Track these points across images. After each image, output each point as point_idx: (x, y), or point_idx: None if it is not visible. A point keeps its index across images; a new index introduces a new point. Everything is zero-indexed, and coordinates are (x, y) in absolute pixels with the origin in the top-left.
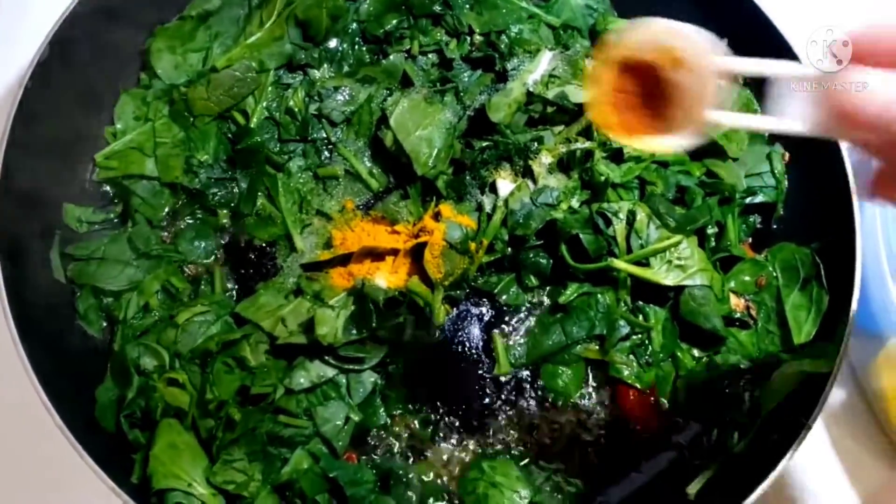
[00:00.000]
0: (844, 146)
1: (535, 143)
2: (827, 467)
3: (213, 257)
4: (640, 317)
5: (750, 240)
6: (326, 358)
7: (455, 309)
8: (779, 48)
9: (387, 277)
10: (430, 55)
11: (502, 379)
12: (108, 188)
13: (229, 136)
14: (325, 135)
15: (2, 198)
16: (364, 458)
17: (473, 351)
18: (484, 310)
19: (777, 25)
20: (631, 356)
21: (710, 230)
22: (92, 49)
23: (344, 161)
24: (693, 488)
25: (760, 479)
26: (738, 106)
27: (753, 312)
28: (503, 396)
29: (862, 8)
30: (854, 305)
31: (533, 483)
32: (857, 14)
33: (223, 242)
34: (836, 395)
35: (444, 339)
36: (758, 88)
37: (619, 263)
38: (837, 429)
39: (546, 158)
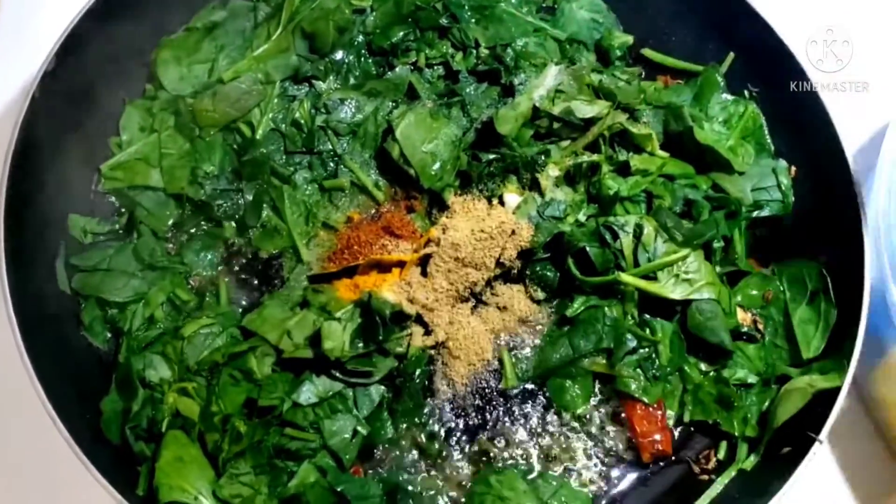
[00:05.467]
0: (851, 159)
1: (542, 157)
2: (825, 472)
3: (218, 269)
4: (648, 330)
5: (757, 254)
6: (333, 372)
7: None
8: (780, 56)
9: (393, 290)
10: (436, 68)
11: (509, 392)
12: (113, 199)
13: (235, 147)
14: (331, 147)
15: (8, 208)
16: (371, 471)
17: None
18: None
19: (783, 38)
20: (638, 370)
21: (717, 244)
22: (97, 59)
23: (350, 173)
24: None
25: (770, 494)
26: (744, 122)
27: (760, 326)
28: (510, 410)
29: (862, 8)
30: (863, 320)
31: (540, 497)
32: (856, 14)
33: (228, 254)
34: None
35: None
36: (764, 103)
37: (627, 277)
38: (836, 434)
39: (553, 171)
